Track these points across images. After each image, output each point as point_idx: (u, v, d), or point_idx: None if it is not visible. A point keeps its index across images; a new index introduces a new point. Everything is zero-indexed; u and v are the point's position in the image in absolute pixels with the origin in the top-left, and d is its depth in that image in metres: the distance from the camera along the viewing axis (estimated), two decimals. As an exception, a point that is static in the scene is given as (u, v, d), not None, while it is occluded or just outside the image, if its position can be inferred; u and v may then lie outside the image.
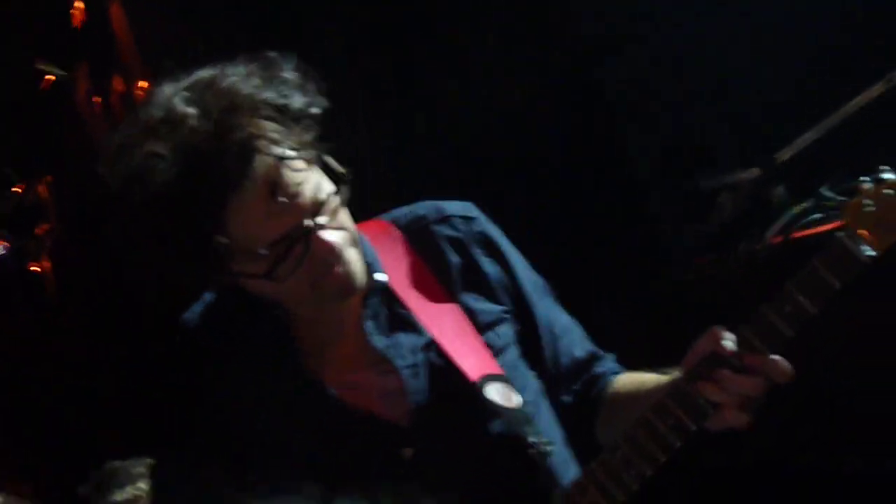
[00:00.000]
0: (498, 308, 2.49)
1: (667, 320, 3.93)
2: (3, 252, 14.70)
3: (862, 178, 2.20)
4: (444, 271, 2.53)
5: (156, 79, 2.42)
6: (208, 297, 2.57)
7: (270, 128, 2.25)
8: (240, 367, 2.48)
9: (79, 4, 7.93)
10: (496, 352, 2.46)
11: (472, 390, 2.38)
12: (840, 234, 2.18)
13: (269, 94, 2.31)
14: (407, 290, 2.49)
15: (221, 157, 2.20)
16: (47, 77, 9.06)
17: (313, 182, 2.25)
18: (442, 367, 2.42)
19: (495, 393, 2.38)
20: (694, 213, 4.54)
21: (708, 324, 3.13)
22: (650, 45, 5.04)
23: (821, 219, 3.92)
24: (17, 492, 3.08)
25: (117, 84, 7.90)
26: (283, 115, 2.30)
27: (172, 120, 2.25)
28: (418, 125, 5.84)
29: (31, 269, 13.30)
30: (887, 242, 2.17)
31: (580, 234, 4.92)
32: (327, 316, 2.46)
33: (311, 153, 2.29)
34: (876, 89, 4.14)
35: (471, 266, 2.52)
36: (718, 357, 2.23)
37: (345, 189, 2.30)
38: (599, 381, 2.49)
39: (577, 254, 4.90)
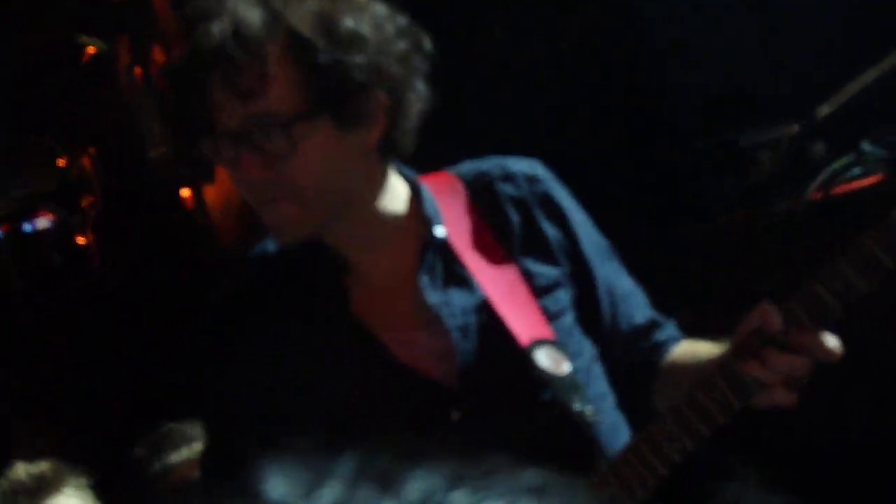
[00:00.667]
0: (556, 271, 2.41)
1: (703, 272, 3.90)
2: (50, 225, 14.83)
3: None
4: (504, 230, 2.43)
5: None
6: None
7: (261, 18, 2.05)
8: (290, 312, 2.40)
9: (118, -23, 7.97)
10: (551, 316, 2.38)
11: (522, 355, 2.32)
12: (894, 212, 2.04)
13: (324, 3, 2.14)
14: (465, 246, 2.39)
15: (207, 38, 2.06)
16: (89, 50, 9.10)
17: (268, 101, 2.08)
18: (493, 330, 2.34)
19: (545, 359, 2.30)
20: (733, 167, 4.51)
21: (746, 280, 3.11)
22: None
23: (861, 174, 3.90)
24: (69, 457, 3.09)
25: (158, 55, 7.90)
26: (327, 31, 2.12)
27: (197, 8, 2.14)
28: (459, 78, 5.83)
29: (77, 241, 13.43)
30: None
31: (616, 184, 4.88)
32: (381, 265, 2.39)
33: (311, 76, 2.09)
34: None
35: (531, 227, 2.42)
36: (766, 334, 2.15)
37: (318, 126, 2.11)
38: (659, 349, 2.44)
39: (613, 204, 4.87)
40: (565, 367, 2.32)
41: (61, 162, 14.94)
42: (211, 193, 8.10)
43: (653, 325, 2.43)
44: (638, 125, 4.95)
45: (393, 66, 2.23)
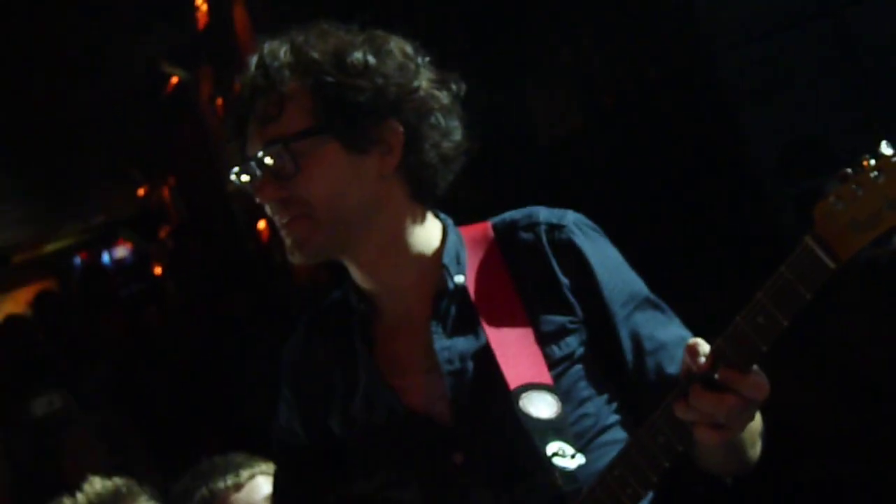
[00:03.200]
0: (564, 319, 2.40)
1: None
2: (128, 254, 15.04)
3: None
4: (521, 278, 2.46)
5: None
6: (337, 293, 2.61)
7: (287, 56, 2.27)
8: (327, 362, 2.48)
9: (202, 6, 8.04)
10: (554, 362, 2.39)
11: (508, 399, 2.34)
12: (808, 237, 1.95)
13: (348, 39, 2.30)
14: (482, 292, 2.43)
15: (249, 76, 2.29)
16: (172, 79, 9.19)
17: (284, 126, 2.23)
18: (487, 374, 2.38)
19: (531, 402, 2.32)
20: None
21: (829, 328, 3.00)
22: (773, 42, 4.89)
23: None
24: (142, 478, 3.16)
25: (238, 87, 7.96)
26: (338, 60, 2.29)
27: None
28: (522, 116, 5.81)
29: (155, 271, 13.59)
30: (854, 247, 1.93)
31: (695, 232, 4.80)
32: (401, 307, 2.43)
33: (323, 104, 2.25)
34: None
35: (545, 274, 2.43)
36: (693, 372, 2.10)
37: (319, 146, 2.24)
38: None
39: (690, 252, 4.78)
40: (552, 411, 2.30)
41: (141, 191, 15.18)
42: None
43: None
44: (716, 171, 4.88)
45: (406, 98, 2.32)
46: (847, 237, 1.93)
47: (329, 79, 2.24)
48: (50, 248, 15.02)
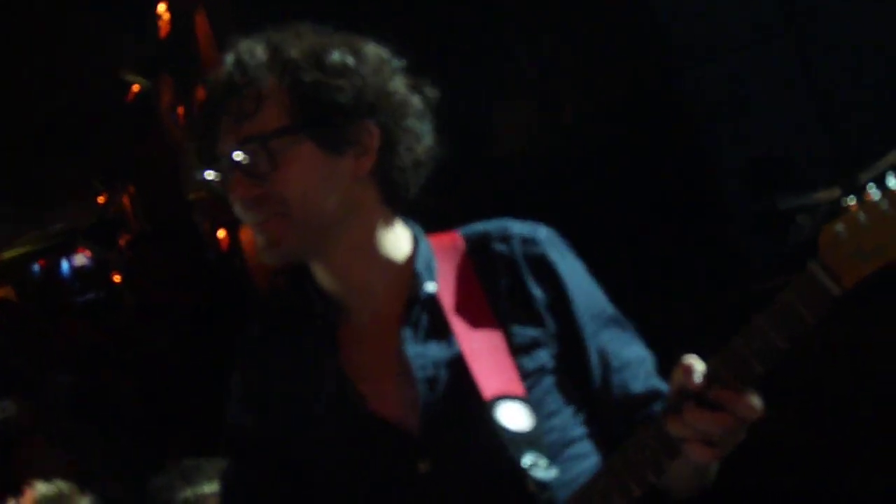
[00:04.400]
0: (536, 331, 2.41)
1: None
2: (87, 262, 14.95)
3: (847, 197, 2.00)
4: (492, 290, 2.46)
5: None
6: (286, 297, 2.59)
7: (261, 56, 2.27)
8: (291, 358, 2.47)
9: (164, 16, 8.03)
10: (526, 374, 2.39)
11: (482, 408, 2.34)
12: (812, 263, 1.97)
13: (325, 40, 2.32)
14: (453, 302, 2.43)
15: (221, 76, 2.29)
16: (133, 88, 9.16)
17: (257, 125, 2.22)
18: (460, 383, 2.37)
19: (506, 413, 2.32)
20: (772, 231, 4.43)
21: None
22: (739, 58, 4.94)
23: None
24: (80, 478, 3.16)
25: (201, 94, 7.93)
26: (316, 60, 2.29)
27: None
28: (496, 135, 5.83)
29: (114, 279, 13.51)
30: (859, 274, 1.94)
31: (656, 247, 4.83)
32: (370, 311, 2.43)
33: (299, 102, 2.25)
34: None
35: (518, 287, 2.44)
36: (687, 389, 2.11)
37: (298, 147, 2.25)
38: None
39: (651, 267, 4.82)
40: (526, 423, 2.31)
41: (100, 199, 15.11)
42: (246, 235, 8.12)
43: (653, 396, 2.38)
44: (680, 187, 4.92)
45: (382, 100, 2.33)
46: (851, 265, 1.95)
47: (308, 78, 2.23)
48: (7, 255, 14.91)
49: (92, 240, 13.09)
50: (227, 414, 2.51)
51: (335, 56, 2.27)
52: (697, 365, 2.07)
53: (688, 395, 2.04)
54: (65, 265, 14.76)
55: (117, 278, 13.10)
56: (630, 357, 2.41)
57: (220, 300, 8.54)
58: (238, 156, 2.21)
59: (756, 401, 2.06)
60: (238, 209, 2.27)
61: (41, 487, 2.97)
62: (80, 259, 14.14)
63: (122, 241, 12.58)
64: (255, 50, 2.25)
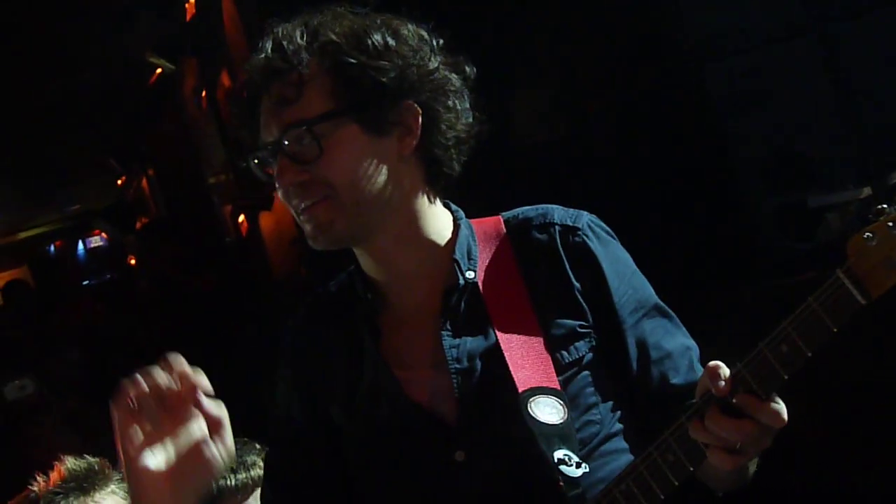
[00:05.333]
0: (575, 323, 2.37)
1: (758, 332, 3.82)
2: (103, 243, 14.96)
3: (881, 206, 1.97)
4: (532, 278, 2.43)
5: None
6: (337, 281, 2.57)
7: (301, 41, 2.25)
8: (334, 349, 2.46)
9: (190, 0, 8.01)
10: (562, 367, 2.35)
11: (516, 400, 2.32)
12: (840, 271, 1.94)
13: (364, 22, 2.30)
14: (493, 289, 2.40)
15: (259, 62, 2.26)
16: (156, 70, 9.14)
17: (302, 110, 2.22)
18: (496, 374, 2.34)
19: (539, 406, 2.29)
20: (800, 228, 4.40)
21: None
22: (760, 51, 4.91)
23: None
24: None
25: (224, 79, 7.90)
26: (357, 42, 2.27)
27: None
28: (517, 126, 5.81)
29: (131, 262, 13.51)
30: (887, 284, 1.91)
31: (675, 240, 4.80)
32: (412, 299, 2.41)
33: (343, 85, 2.24)
34: None
35: (558, 277, 2.40)
36: (713, 394, 2.09)
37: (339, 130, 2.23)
38: None
39: (670, 260, 4.79)
40: (559, 417, 2.28)
41: (119, 182, 15.07)
42: (266, 221, 8.10)
43: (694, 389, 2.34)
44: (706, 183, 4.90)
45: (424, 80, 2.32)
46: (880, 274, 1.93)
47: (350, 60, 2.22)
48: (23, 235, 14.94)
49: (109, 222, 13.09)
50: (275, 403, 2.51)
51: (376, 37, 2.26)
52: (723, 370, 2.05)
53: (712, 401, 2.03)
54: (80, 247, 14.79)
55: (132, 261, 13.11)
56: (672, 348, 2.38)
57: (236, 285, 8.55)
58: (284, 141, 2.20)
59: (780, 408, 2.04)
60: (284, 195, 2.25)
61: (70, 462, 2.95)
62: (96, 241, 14.16)
63: (138, 225, 12.59)
64: (293, 34, 2.23)
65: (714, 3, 4.87)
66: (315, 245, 2.28)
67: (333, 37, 2.24)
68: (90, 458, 2.96)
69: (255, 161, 2.27)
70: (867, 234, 1.92)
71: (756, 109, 4.76)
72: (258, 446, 3.04)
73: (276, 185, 2.26)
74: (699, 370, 2.34)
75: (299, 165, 2.22)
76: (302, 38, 2.24)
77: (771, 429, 2.04)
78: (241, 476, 3.03)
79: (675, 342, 2.40)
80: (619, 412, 2.39)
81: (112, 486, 2.93)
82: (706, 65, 4.86)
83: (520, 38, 5.71)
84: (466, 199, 2.50)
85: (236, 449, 2.66)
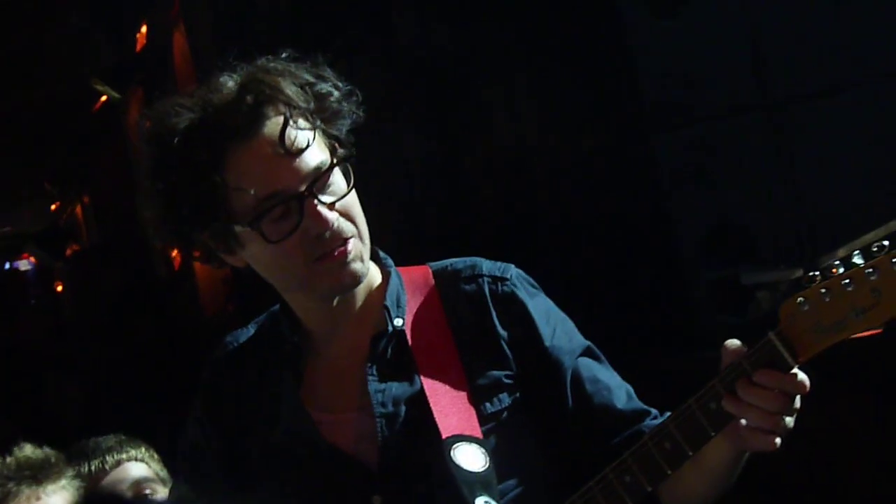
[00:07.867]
0: (500, 374, 2.42)
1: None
2: (29, 268, 14.73)
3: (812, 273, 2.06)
4: (459, 328, 2.47)
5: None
6: (257, 322, 2.58)
7: (292, 91, 2.27)
8: (255, 391, 2.48)
9: (143, 29, 7.98)
10: (485, 417, 2.40)
11: (440, 446, 2.35)
12: (772, 333, 2.04)
13: (303, 72, 2.33)
14: (420, 338, 2.44)
15: (236, 106, 2.24)
16: (101, 97, 9.07)
17: (319, 156, 2.27)
18: (420, 420, 2.35)
19: (462, 453, 2.33)
20: (732, 304, 4.46)
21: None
22: (708, 128, 5.00)
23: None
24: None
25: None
26: (310, 89, 2.32)
27: (210, 85, 2.31)
28: (464, 180, 5.84)
29: (58, 289, 13.34)
30: (815, 349, 2.01)
31: (612, 305, 4.85)
32: (339, 344, 2.43)
33: (326, 135, 2.30)
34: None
35: (485, 327, 2.45)
36: (734, 368, 2.17)
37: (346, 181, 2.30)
38: (643, 435, 2.39)
39: (605, 322, 4.83)
40: (480, 465, 2.32)
41: (53, 206, 14.89)
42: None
43: (640, 415, 2.40)
44: (642, 249, 4.95)
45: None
46: (809, 339, 2.00)
47: (330, 112, 2.33)
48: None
49: (39, 246, 12.94)
50: (187, 431, 2.51)
51: (334, 94, 2.35)
52: (736, 341, 2.11)
53: (737, 374, 2.06)
54: (6, 267, 14.58)
55: (59, 287, 12.95)
56: (609, 382, 2.42)
57: (165, 321, 8.46)
58: (316, 184, 2.25)
59: (803, 376, 2.08)
60: (314, 239, 2.26)
61: (27, 450, 2.92)
62: (24, 265, 13.97)
63: (69, 252, 12.44)
64: (290, 92, 2.28)
65: (668, 77, 4.95)
66: (352, 285, 2.34)
67: (323, 90, 2.32)
68: (48, 450, 2.94)
69: (272, 209, 2.25)
70: (800, 299, 1.99)
71: (700, 183, 4.84)
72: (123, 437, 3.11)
73: (326, 223, 2.25)
74: (639, 403, 2.38)
75: (330, 205, 2.27)
76: (299, 97, 2.29)
77: (796, 396, 2.07)
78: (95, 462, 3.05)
79: (610, 376, 2.45)
80: (543, 460, 2.41)
81: (63, 482, 2.92)
82: (654, 136, 4.94)
83: (472, 94, 5.77)
84: (403, 249, 2.53)
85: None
